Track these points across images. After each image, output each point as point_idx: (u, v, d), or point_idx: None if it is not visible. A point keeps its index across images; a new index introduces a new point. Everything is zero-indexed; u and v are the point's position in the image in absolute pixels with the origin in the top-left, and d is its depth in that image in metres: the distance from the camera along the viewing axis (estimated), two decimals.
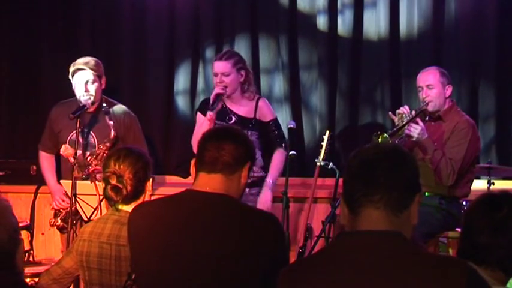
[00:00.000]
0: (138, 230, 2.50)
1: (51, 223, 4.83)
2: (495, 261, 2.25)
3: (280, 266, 2.09)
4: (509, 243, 2.25)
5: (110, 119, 4.69)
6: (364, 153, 1.87)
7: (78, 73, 4.85)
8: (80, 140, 4.79)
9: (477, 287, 1.76)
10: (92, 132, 4.86)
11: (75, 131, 4.70)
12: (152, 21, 6.03)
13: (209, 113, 4.74)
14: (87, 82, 4.82)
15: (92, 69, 4.85)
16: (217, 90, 4.79)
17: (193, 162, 2.57)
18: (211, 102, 4.77)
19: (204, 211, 2.43)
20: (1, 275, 2.01)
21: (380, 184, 1.81)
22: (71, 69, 4.89)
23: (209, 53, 5.94)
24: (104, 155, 4.56)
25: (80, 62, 4.89)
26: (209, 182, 2.47)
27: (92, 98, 4.81)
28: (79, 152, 4.73)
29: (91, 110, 4.86)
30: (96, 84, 4.85)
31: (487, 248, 2.26)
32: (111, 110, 4.80)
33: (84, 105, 4.73)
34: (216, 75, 4.82)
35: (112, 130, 4.66)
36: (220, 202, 2.45)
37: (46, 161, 5.10)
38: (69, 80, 4.95)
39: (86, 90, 4.81)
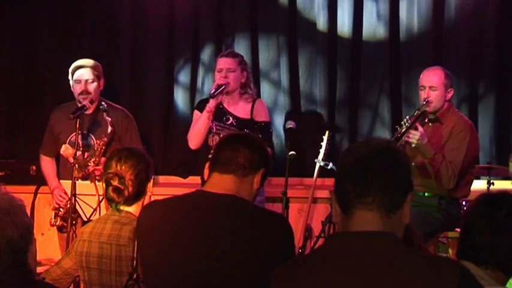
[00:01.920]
0: (146, 229, 2.50)
1: (51, 223, 4.84)
2: (495, 261, 2.25)
3: None
4: (509, 244, 2.25)
5: (108, 115, 4.73)
6: (356, 152, 1.85)
7: (78, 71, 4.87)
8: (80, 141, 4.78)
9: (470, 287, 1.75)
10: (91, 134, 4.87)
11: (73, 134, 4.67)
12: (152, 22, 6.03)
13: (208, 105, 4.72)
14: (86, 81, 4.84)
15: (92, 67, 4.87)
16: (219, 81, 4.78)
17: (207, 164, 2.56)
18: (212, 90, 4.76)
19: (214, 211, 2.43)
20: (11, 272, 2.03)
21: (373, 186, 1.79)
22: (71, 68, 4.90)
23: (209, 53, 5.95)
24: (102, 150, 4.66)
25: (80, 61, 4.93)
26: (221, 183, 2.47)
27: (90, 97, 4.82)
28: (79, 153, 4.72)
29: (89, 111, 4.87)
30: (95, 84, 4.86)
31: (487, 249, 2.25)
32: (109, 109, 4.81)
33: (84, 106, 4.73)
34: (220, 71, 4.80)
35: (109, 126, 4.71)
36: (230, 202, 2.45)
37: (47, 164, 5.10)
38: (68, 81, 4.96)
39: (85, 89, 4.82)
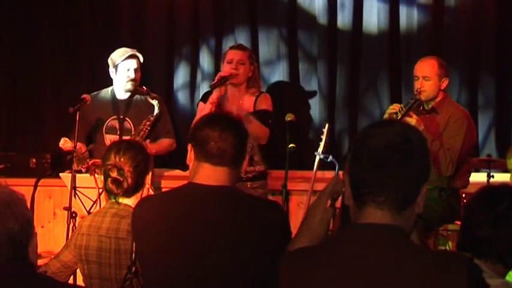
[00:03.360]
0: (142, 225, 2.50)
1: (81, 167, 4.66)
2: (494, 253, 2.26)
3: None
4: (509, 236, 2.25)
5: (153, 98, 5.01)
6: (373, 143, 1.80)
7: (132, 59, 5.08)
8: (116, 125, 5.05)
9: (477, 282, 1.74)
10: (127, 118, 5.06)
11: (110, 119, 5.01)
12: (152, 15, 6.02)
13: (211, 97, 4.72)
14: (136, 69, 5.07)
15: (139, 57, 5.10)
16: (223, 73, 4.77)
17: (190, 148, 2.53)
18: (214, 81, 4.76)
19: (210, 204, 2.43)
20: (12, 265, 2.03)
21: (386, 184, 1.77)
22: (121, 54, 5.07)
23: (209, 46, 5.93)
24: (147, 131, 4.94)
25: (129, 49, 5.13)
26: (214, 175, 2.46)
27: (136, 84, 5.07)
28: (114, 137, 4.96)
29: (125, 97, 5.11)
30: (139, 73, 5.10)
31: (487, 241, 2.26)
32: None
33: (84, 98, 4.77)
34: (230, 62, 4.82)
35: (156, 107, 4.98)
36: (225, 194, 2.45)
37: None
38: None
39: (135, 76, 5.06)
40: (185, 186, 2.50)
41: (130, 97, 5.12)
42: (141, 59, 5.11)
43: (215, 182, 2.45)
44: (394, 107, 4.71)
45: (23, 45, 6.09)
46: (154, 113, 4.99)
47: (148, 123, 4.98)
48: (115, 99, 5.12)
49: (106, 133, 5.06)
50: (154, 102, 5.00)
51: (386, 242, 1.76)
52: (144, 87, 5.07)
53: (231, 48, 4.98)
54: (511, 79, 5.76)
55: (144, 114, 5.01)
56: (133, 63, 5.07)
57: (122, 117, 5.07)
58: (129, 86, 5.07)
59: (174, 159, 5.87)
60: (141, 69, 5.12)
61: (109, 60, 5.12)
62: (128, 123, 5.07)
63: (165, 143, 5.12)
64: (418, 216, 1.85)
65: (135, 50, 5.13)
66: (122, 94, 5.12)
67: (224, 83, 4.72)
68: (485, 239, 2.26)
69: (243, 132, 2.54)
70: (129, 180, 3.09)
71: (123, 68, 5.07)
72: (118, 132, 5.03)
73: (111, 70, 5.11)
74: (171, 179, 5.54)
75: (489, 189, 2.38)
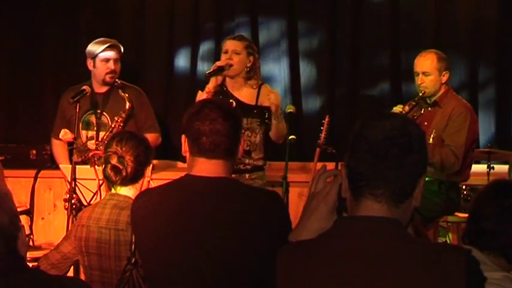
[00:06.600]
0: (142, 218, 2.49)
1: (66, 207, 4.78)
2: (498, 247, 2.26)
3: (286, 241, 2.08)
4: None
5: (124, 92, 4.83)
6: (371, 137, 1.78)
7: (108, 50, 4.90)
8: (93, 120, 4.90)
9: (475, 274, 1.74)
10: (104, 113, 4.92)
11: (86, 114, 4.83)
12: (152, 6, 6.02)
13: (207, 86, 4.69)
14: (116, 60, 4.91)
15: (119, 47, 4.94)
16: (220, 62, 4.74)
17: (184, 138, 2.51)
18: (210, 70, 4.73)
19: (208, 194, 2.43)
20: (4, 259, 2.02)
21: (384, 176, 1.76)
22: (97, 45, 4.90)
23: (209, 36, 5.93)
24: (120, 127, 4.77)
25: (106, 39, 4.96)
26: (210, 168, 2.45)
27: (116, 76, 4.91)
28: (92, 132, 4.85)
29: (103, 91, 4.94)
30: (119, 64, 4.94)
31: (491, 234, 2.26)
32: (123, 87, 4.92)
33: (84, 90, 4.72)
34: (226, 52, 4.77)
35: (127, 101, 4.81)
36: (223, 184, 2.45)
37: (59, 148, 5.10)
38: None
39: (114, 68, 4.90)
40: (183, 178, 2.49)
41: (109, 90, 4.94)
42: (122, 49, 4.94)
43: (213, 174, 2.45)
44: (397, 109, 4.70)
45: (23, 38, 6.08)
46: (126, 107, 4.81)
47: (120, 119, 4.80)
48: (93, 93, 4.90)
49: (82, 129, 4.89)
50: (125, 96, 4.82)
51: (384, 235, 1.75)
52: (117, 80, 4.90)
53: (228, 38, 4.94)
54: (511, 70, 5.77)
55: (122, 108, 4.86)
56: (113, 54, 4.89)
57: (99, 111, 4.91)
58: (108, 78, 4.88)
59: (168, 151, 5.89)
60: (121, 60, 4.95)
61: (86, 52, 4.94)
62: (106, 118, 4.91)
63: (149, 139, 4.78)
64: (415, 209, 1.84)
65: (113, 40, 4.95)
66: (100, 87, 4.93)
67: (220, 72, 4.69)
68: (490, 231, 2.26)
69: (234, 121, 2.50)
70: (129, 169, 3.09)
71: (102, 59, 4.89)
72: (95, 128, 4.88)
73: (89, 62, 4.92)
74: (173, 171, 5.55)
75: (499, 183, 2.39)
